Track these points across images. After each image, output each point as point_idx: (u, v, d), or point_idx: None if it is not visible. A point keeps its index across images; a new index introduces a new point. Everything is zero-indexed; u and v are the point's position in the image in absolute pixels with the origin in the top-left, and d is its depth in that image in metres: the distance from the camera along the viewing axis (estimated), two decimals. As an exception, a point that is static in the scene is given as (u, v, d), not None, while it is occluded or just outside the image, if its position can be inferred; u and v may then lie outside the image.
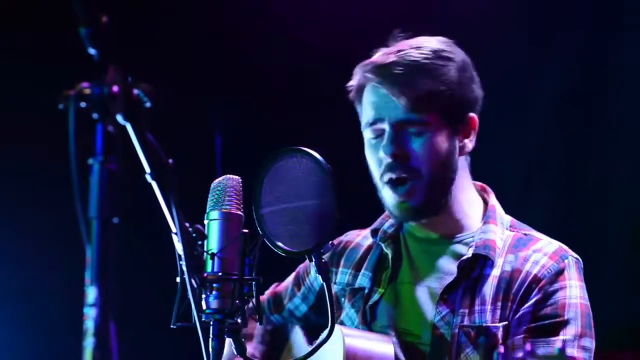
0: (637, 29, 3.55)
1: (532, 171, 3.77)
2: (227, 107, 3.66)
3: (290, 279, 2.46)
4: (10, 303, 3.76)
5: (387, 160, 2.13)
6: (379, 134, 2.15)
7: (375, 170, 2.17)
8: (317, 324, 2.35)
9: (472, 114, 2.19)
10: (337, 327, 2.04)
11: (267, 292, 2.47)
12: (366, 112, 2.18)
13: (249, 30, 3.88)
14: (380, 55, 2.17)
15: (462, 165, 2.21)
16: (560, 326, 2.06)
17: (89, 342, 1.29)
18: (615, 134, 3.61)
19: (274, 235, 1.76)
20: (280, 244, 1.76)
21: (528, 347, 2.02)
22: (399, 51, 2.15)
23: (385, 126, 2.13)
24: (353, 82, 2.21)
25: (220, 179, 1.76)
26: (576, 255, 2.17)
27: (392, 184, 2.13)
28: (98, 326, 1.29)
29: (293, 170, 1.77)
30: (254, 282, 1.72)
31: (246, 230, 1.73)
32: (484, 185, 2.29)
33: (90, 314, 1.30)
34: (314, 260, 1.75)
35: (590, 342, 2.09)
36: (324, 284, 1.77)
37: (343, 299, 2.28)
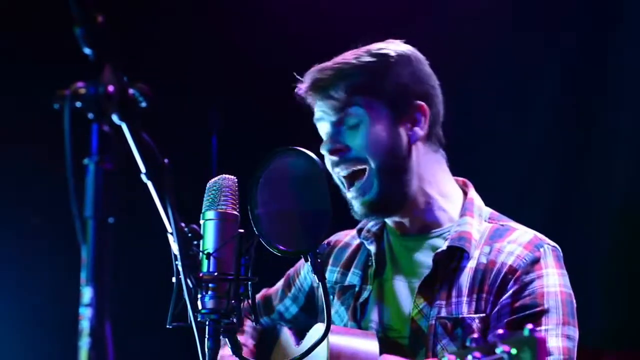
0: (637, 28, 3.55)
1: (531, 171, 3.78)
2: (223, 107, 3.65)
3: (280, 282, 2.48)
4: (6, 303, 3.75)
5: (331, 158, 2.15)
6: (324, 132, 2.19)
7: (330, 171, 2.17)
8: (305, 325, 2.36)
9: (418, 102, 2.18)
10: (322, 325, 2.03)
11: (257, 296, 2.47)
12: (316, 125, 2.23)
13: (246, 30, 3.88)
14: (321, 64, 2.22)
15: (426, 155, 2.19)
16: (540, 316, 2.03)
17: (84, 342, 1.29)
18: (614, 134, 3.61)
19: (270, 235, 1.76)
20: (275, 243, 1.76)
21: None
22: (332, 61, 2.20)
23: (327, 125, 2.18)
24: (305, 104, 2.25)
25: (216, 178, 1.76)
26: (553, 243, 2.14)
27: (348, 184, 2.15)
28: (93, 326, 1.29)
29: (289, 170, 1.77)
30: (249, 282, 1.72)
31: (242, 230, 1.73)
32: (465, 180, 2.28)
33: (85, 314, 1.30)
34: (309, 259, 1.75)
35: (573, 331, 2.05)
36: (320, 283, 1.77)
37: (332, 297, 2.28)
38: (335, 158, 2.14)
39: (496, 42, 3.63)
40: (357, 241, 2.32)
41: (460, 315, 2.07)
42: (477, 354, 1.51)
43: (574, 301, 2.09)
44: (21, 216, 3.72)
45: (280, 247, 1.76)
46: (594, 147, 3.67)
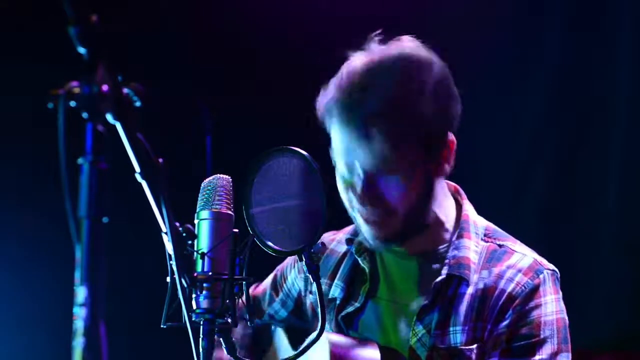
0: (633, 26, 3.56)
1: (523, 173, 3.78)
2: (218, 106, 3.65)
3: (267, 283, 2.44)
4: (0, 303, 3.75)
5: (359, 205, 2.05)
6: (351, 173, 2.04)
7: (347, 205, 2.09)
8: (298, 327, 2.35)
9: (450, 137, 2.07)
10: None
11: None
12: (336, 147, 2.06)
13: (240, 29, 3.88)
14: (343, 88, 2.02)
15: (441, 184, 2.12)
16: (536, 346, 2.02)
17: (78, 342, 1.29)
18: (608, 136, 3.61)
19: (264, 234, 1.76)
20: (270, 243, 1.76)
21: None
22: (361, 85, 2.00)
23: (357, 169, 2.02)
24: (319, 110, 2.09)
25: (210, 178, 1.76)
26: (552, 267, 2.11)
27: (365, 220, 2.06)
28: (88, 326, 1.29)
29: (283, 169, 1.77)
30: (244, 282, 1.72)
31: (236, 230, 1.73)
32: (457, 187, 2.22)
33: (79, 314, 1.29)
34: (304, 259, 1.75)
35: (566, 357, 2.05)
36: (315, 283, 1.77)
37: (318, 309, 2.27)
38: (365, 207, 2.04)
39: (487, 39, 3.64)
40: (343, 248, 2.27)
41: (458, 346, 2.05)
42: None
43: (567, 323, 2.08)
44: (15, 216, 3.71)
45: (275, 246, 1.76)
46: (587, 149, 3.67)
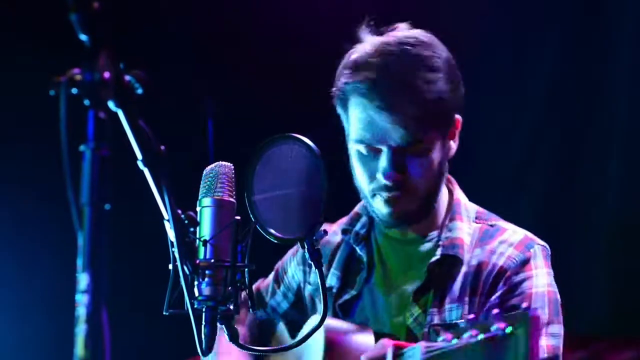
0: (632, 22, 3.55)
1: (522, 167, 3.78)
2: (220, 93, 3.65)
3: (271, 276, 2.47)
4: (1, 289, 3.75)
5: (384, 182, 2.09)
6: (374, 151, 2.10)
7: (365, 183, 2.12)
8: (297, 321, 2.36)
9: (457, 116, 2.15)
10: (316, 316, 2.06)
11: (253, 287, 2.46)
12: (357, 129, 2.11)
13: (243, 16, 3.87)
14: (364, 65, 2.08)
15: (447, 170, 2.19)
16: None
17: (80, 329, 1.29)
18: (608, 128, 3.61)
19: (266, 222, 1.76)
20: (272, 230, 1.76)
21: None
22: (383, 61, 2.06)
23: (383, 148, 2.08)
24: (337, 89, 2.14)
25: (212, 165, 1.75)
26: (543, 243, 2.14)
27: (384, 200, 2.10)
28: (90, 313, 1.29)
29: (285, 157, 1.76)
30: (246, 269, 1.72)
31: (238, 217, 1.73)
32: (449, 176, 2.25)
33: (82, 301, 1.30)
34: (306, 246, 1.75)
35: (558, 328, 2.08)
36: (317, 270, 1.77)
37: (317, 299, 2.29)
38: (388, 183, 2.08)
39: (487, 34, 3.63)
40: (337, 238, 2.31)
41: (454, 321, 2.08)
42: (474, 332, 1.52)
43: (559, 298, 2.11)
44: (17, 203, 3.71)
45: (277, 234, 1.76)
46: (586, 143, 3.67)
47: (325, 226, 2.31)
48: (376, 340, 2.07)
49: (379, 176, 2.09)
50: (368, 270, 2.22)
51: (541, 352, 2.02)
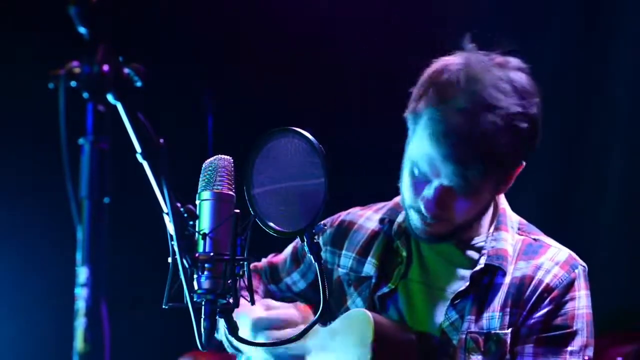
0: (634, 8, 3.55)
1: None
2: (219, 87, 3.65)
3: (287, 252, 2.45)
4: (1, 283, 3.76)
5: (423, 210, 2.06)
6: (425, 177, 2.05)
7: (407, 195, 2.08)
8: (315, 300, 2.35)
9: (523, 162, 2.09)
10: (359, 311, 2.10)
11: (264, 261, 2.46)
12: (417, 152, 2.03)
13: (243, 12, 3.87)
14: (449, 98, 1.96)
15: None
16: (568, 337, 2.10)
17: (80, 323, 1.29)
18: (611, 122, 3.60)
19: (266, 215, 1.76)
20: (271, 224, 1.76)
21: (537, 357, 2.07)
22: (470, 104, 1.94)
23: (434, 180, 2.03)
24: (415, 101, 2.04)
25: (211, 159, 1.75)
26: (583, 263, 2.17)
27: (422, 220, 2.08)
28: (89, 307, 1.29)
29: (285, 150, 1.76)
30: (245, 262, 1.72)
31: (238, 211, 1.73)
32: None
33: (81, 295, 1.30)
34: (305, 240, 1.75)
35: (592, 351, 2.13)
36: (316, 264, 1.77)
37: (347, 286, 2.28)
38: (427, 215, 2.06)
39: (488, 26, 3.62)
40: (373, 225, 2.29)
41: (493, 330, 2.09)
42: None
43: (593, 320, 2.15)
44: (16, 197, 3.71)
45: (276, 227, 1.76)
46: (589, 136, 3.67)
47: (358, 209, 2.34)
48: (419, 341, 2.10)
49: (421, 202, 2.06)
50: (407, 265, 2.21)
51: None
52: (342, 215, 2.35)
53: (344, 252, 2.30)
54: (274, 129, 1.80)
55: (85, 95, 1.34)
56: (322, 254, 2.33)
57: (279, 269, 2.44)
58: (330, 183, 1.73)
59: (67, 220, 1.34)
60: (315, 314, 1.96)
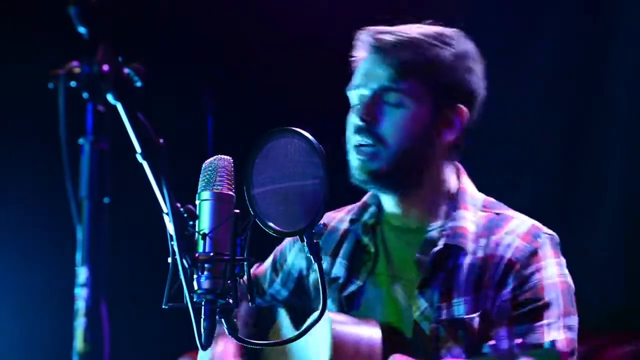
0: (635, 8, 3.54)
1: (524, 155, 3.77)
2: (219, 87, 3.65)
3: (268, 263, 2.46)
4: (1, 283, 3.75)
5: (357, 123, 2.13)
6: (361, 92, 2.16)
7: (348, 133, 2.17)
8: (299, 307, 2.35)
9: (461, 105, 2.15)
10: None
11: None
12: (354, 76, 2.19)
13: (243, 12, 3.87)
14: (381, 26, 2.17)
15: (444, 161, 2.18)
16: (542, 310, 2.03)
17: (80, 323, 1.29)
18: (611, 122, 3.60)
19: (266, 215, 1.76)
20: (271, 224, 1.76)
21: (513, 338, 2.00)
22: (400, 27, 2.16)
23: (367, 92, 2.14)
24: (354, 47, 2.21)
25: (211, 159, 1.75)
26: (550, 232, 2.13)
27: (357, 150, 2.14)
28: (89, 307, 1.29)
29: (285, 150, 1.76)
30: (245, 263, 1.72)
31: (237, 211, 1.73)
32: (457, 164, 2.25)
33: (81, 295, 1.30)
34: (305, 240, 1.75)
35: (574, 320, 2.06)
36: (316, 264, 1.77)
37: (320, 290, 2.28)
38: (361, 124, 2.13)
39: (487, 18, 3.62)
40: (344, 226, 2.30)
41: (461, 317, 2.07)
42: None
43: (572, 287, 2.09)
44: (16, 197, 3.71)
45: (276, 227, 1.76)
46: (590, 139, 3.66)
47: (332, 213, 2.34)
48: (383, 333, 2.07)
49: (355, 119, 2.14)
50: (374, 260, 2.21)
51: (560, 346, 2.00)
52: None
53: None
54: (274, 129, 1.80)
55: (85, 95, 1.34)
56: (295, 260, 2.34)
57: (261, 281, 2.45)
58: (330, 183, 1.73)
59: (67, 220, 1.34)
60: None
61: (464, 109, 2.15)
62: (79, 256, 1.31)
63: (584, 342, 3.29)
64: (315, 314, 2.14)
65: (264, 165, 1.77)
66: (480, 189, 2.26)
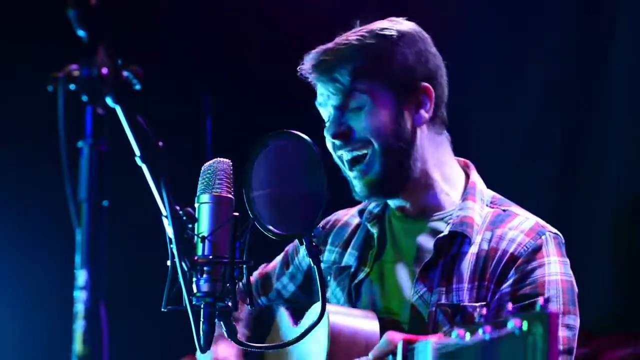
0: (635, 8, 3.54)
1: (525, 154, 3.78)
2: (218, 90, 3.65)
3: (279, 258, 2.45)
4: (1, 286, 3.75)
5: (334, 141, 2.13)
6: (328, 115, 2.17)
7: (332, 152, 2.17)
8: (303, 305, 2.35)
9: (424, 84, 2.15)
10: (319, 305, 2.02)
11: (256, 274, 2.46)
12: (319, 103, 2.21)
13: (243, 12, 3.87)
14: (320, 47, 2.19)
15: (430, 138, 2.18)
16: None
17: (79, 325, 1.29)
18: (611, 122, 3.60)
19: (265, 218, 1.76)
20: (270, 227, 1.76)
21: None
22: (338, 39, 2.17)
23: (329, 109, 2.15)
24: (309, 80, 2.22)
25: (210, 162, 1.75)
26: (555, 230, 2.12)
27: (350, 165, 2.13)
28: (88, 309, 1.29)
29: (283, 153, 1.76)
30: (244, 265, 1.72)
31: (236, 213, 1.73)
32: (466, 161, 2.26)
33: (80, 298, 1.30)
34: (304, 243, 1.75)
35: (574, 319, 2.05)
36: (315, 267, 1.77)
37: (329, 277, 2.28)
38: (338, 141, 2.12)
39: (488, 23, 3.63)
40: (356, 220, 2.31)
41: (462, 303, 2.06)
42: (488, 328, 1.50)
43: (575, 288, 2.08)
44: (16, 200, 3.71)
45: (275, 230, 1.76)
46: (589, 130, 3.67)
47: (345, 210, 2.34)
48: (381, 326, 2.07)
49: (330, 139, 2.14)
50: (379, 247, 2.21)
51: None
52: (328, 217, 2.37)
53: (327, 247, 2.31)
54: (274, 132, 1.80)
55: (85, 98, 1.34)
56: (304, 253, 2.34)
57: (271, 276, 2.44)
58: (329, 185, 1.73)
59: (66, 222, 1.34)
60: None
61: (428, 85, 2.16)
62: (78, 259, 1.31)
63: (585, 344, 3.31)
64: (313, 308, 2.15)
65: (263, 168, 1.77)
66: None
